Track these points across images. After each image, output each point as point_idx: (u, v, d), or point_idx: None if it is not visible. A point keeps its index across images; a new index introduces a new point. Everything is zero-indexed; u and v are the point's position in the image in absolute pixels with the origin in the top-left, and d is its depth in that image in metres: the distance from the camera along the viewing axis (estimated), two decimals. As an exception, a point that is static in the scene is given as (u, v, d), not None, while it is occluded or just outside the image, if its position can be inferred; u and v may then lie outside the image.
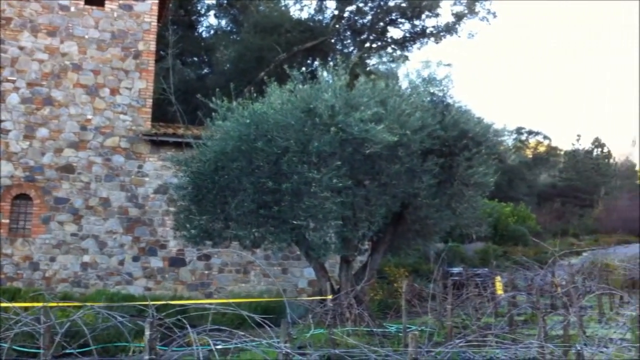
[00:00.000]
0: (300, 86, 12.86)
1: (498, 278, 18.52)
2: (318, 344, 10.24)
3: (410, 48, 35.01)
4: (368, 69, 29.31)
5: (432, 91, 14.63)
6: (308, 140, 12.35)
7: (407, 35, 34.74)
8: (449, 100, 14.78)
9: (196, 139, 14.73)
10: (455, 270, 21.82)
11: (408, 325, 12.20)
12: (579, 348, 6.37)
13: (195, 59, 33.86)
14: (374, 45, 34.98)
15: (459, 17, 33.58)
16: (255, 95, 13.61)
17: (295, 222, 12.72)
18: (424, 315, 13.26)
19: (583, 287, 16.30)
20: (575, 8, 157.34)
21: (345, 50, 33.84)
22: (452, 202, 14.61)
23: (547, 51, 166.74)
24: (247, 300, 14.49)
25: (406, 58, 33.44)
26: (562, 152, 65.67)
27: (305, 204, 12.41)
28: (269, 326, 7.45)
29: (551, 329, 11.83)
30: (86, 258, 17.14)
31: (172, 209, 16.81)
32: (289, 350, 6.51)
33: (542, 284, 15.15)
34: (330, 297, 12.94)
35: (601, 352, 9.10)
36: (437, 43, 34.39)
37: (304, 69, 17.28)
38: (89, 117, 17.58)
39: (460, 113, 14.34)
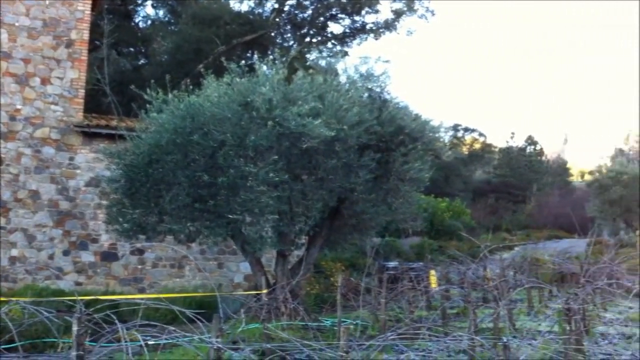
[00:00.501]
0: (238, 79, 12.73)
1: (432, 272, 18.84)
2: (252, 339, 10.20)
3: (350, 44, 35.18)
4: (307, 63, 29.29)
5: (369, 87, 14.71)
6: (245, 134, 12.25)
7: (347, 30, 34.89)
8: (387, 96, 14.89)
9: (130, 131, 14.41)
10: (391, 264, 22.07)
11: (343, 319, 12.27)
12: (505, 340, 6.52)
13: (132, 49, 33.20)
14: (314, 40, 35.01)
15: (398, 14, 33.90)
16: (192, 87, 13.42)
17: (231, 216, 12.61)
18: (360, 309, 13.36)
19: (513, 281, 16.73)
20: (512, 7, 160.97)
21: (285, 44, 33.75)
22: (388, 197, 14.75)
23: (484, 50, 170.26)
24: (181, 295, 14.29)
25: (345, 53, 33.54)
26: (496, 149, 67.23)
27: (242, 198, 12.32)
28: (202, 321, 7.37)
29: (482, 322, 12.11)
30: (14, 252, 16.59)
31: (104, 202, 16.42)
32: (220, 345, 6.44)
33: (474, 277, 15.45)
34: (265, 291, 12.90)
35: (529, 344, 9.36)
36: (376, 39, 34.65)
37: (243, 62, 17.13)
38: (19, 107, 17.01)
39: (398, 109, 14.46)
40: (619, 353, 10.59)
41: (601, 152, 69.54)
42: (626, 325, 12.83)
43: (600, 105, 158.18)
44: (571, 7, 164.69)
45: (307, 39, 34.57)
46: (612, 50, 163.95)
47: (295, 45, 33.03)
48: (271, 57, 13.37)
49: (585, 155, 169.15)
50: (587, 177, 76.72)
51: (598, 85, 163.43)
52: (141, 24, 34.08)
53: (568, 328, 10.23)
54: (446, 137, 56.09)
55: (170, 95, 12.96)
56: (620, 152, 64.05)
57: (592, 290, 13.39)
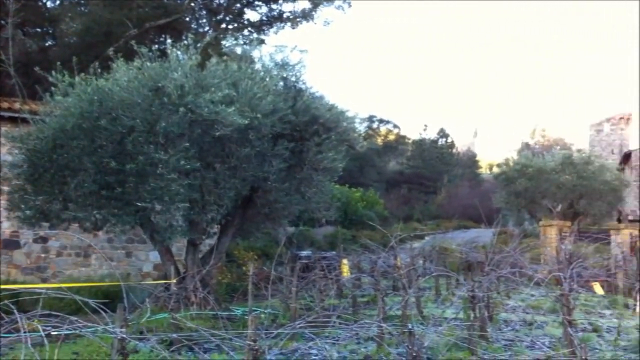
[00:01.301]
0: (149, 64, 12.39)
1: (344, 261, 19.03)
2: (160, 329, 10.00)
3: (266, 32, 34.88)
4: (222, 50, 28.88)
5: (285, 76, 14.66)
6: (155, 120, 11.96)
7: (264, 18, 34.59)
8: (302, 86, 14.89)
9: (34, 115, 13.81)
10: (304, 253, 22.14)
11: (254, 308, 12.21)
12: (410, 327, 6.64)
13: (38, 29, 31.76)
14: (230, 27, 34.54)
15: (315, 3, 33.84)
16: (100, 71, 12.95)
17: (139, 204, 12.29)
18: (272, 298, 13.34)
19: (422, 270, 17.12)
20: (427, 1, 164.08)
21: (200, 30, 33.14)
22: (302, 186, 14.78)
23: (399, 43, 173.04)
24: (87, 285, 13.86)
25: (262, 41, 33.21)
26: (410, 141, 68.55)
27: (151, 185, 12.03)
28: (107, 312, 7.15)
29: (391, 310, 12.32)
30: None
31: (5, 188, 15.69)
32: (124, 336, 6.26)
33: (385, 266, 15.69)
34: (174, 280, 12.68)
35: (434, 330, 9.57)
36: (293, 28, 34.49)
37: (155, 46, 16.71)
38: None
39: (313, 99, 14.49)
40: (520, 339, 11.00)
41: (508, 146, 72.03)
42: (528, 313, 13.33)
43: (509, 100, 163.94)
44: (486, 3, 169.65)
45: (223, 26, 34.07)
46: (521, 46, 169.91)
47: (210, 31, 32.48)
48: (185, 42, 13.08)
49: (493, 149, 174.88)
50: (495, 170, 79.44)
51: (507, 81, 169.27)
52: (49, 4, 32.65)
53: (472, 315, 10.57)
54: (361, 127, 56.70)
55: (77, 79, 12.48)
56: (526, 145, 66.64)
57: (497, 278, 13.85)
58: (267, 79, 13.74)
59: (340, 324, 9.53)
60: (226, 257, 17.45)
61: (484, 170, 79.00)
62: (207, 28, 33.81)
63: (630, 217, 30.77)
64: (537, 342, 10.50)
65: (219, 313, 11.04)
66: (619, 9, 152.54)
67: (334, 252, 21.96)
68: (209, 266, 13.59)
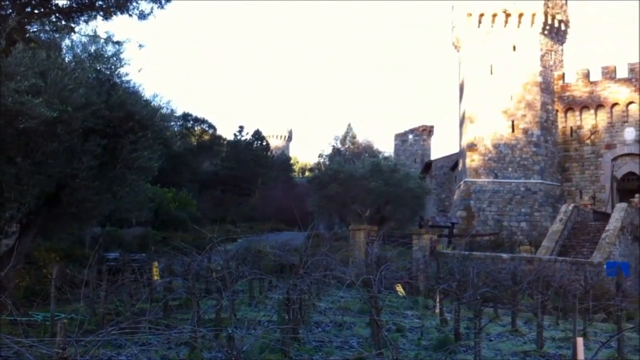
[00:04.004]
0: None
1: (155, 264, 18.46)
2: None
3: (78, 20, 32.98)
4: (28, 36, 26.91)
5: (98, 68, 13.95)
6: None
7: (74, 5, 32.69)
8: (117, 80, 14.26)
9: None
10: (112, 255, 21.23)
11: (57, 314, 11.47)
12: (230, 331, 6.53)
13: None
14: (36, 12, 32.26)
15: (130, -6, 32.55)
16: None
17: None
18: (77, 302, 12.59)
19: (237, 272, 17.04)
20: (243, 5, 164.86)
21: (2, 13, 30.64)
22: (114, 185, 14.14)
23: (217, 46, 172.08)
24: None
25: (72, 29, 31.40)
26: (225, 142, 68.36)
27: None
28: None
29: (205, 313, 12.13)
30: None
31: None
32: None
33: (198, 269, 15.44)
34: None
35: (250, 334, 9.54)
36: (106, 19, 32.89)
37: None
38: None
39: (128, 94, 13.94)
40: (330, 339, 11.31)
41: (321, 151, 74.40)
42: (338, 314, 13.75)
43: (321, 106, 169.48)
44: (296, 17, 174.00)
45: (29, 9, 31.74)
46: (335, 53, 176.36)
47: (14, 15, 30.14)
48: (-14, 25, 12.00)
49: (306, 153, 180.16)
50: (308, 174, 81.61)
51: (320, 87, 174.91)
52: None
53: (287, 317, 10.69)
54: (176, 126, 55.60)
55: None
56: (337, 151, 69.13)
57: (310, 281, 14.14)
58: (79, 70, 12.99)
59: (150, 328, 9.20)
60: (25, 259, 16.21)
61: (297, 174, 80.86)
62: (9, 11, 31.33)
63: (430, 223, 32.96)
64: (348, 342, 10.84)
65: (18, 318, 10.24)
66: (433, 30, 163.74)
67: (144, 255, 21.26)
68: (7, 268, 12.53)
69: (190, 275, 12.70)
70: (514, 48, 43.46)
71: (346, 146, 75.26)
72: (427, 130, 70.90)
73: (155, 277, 17.10)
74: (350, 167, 34.98)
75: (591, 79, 44.15)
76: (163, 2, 33.17)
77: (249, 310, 14.05)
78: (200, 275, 15.67)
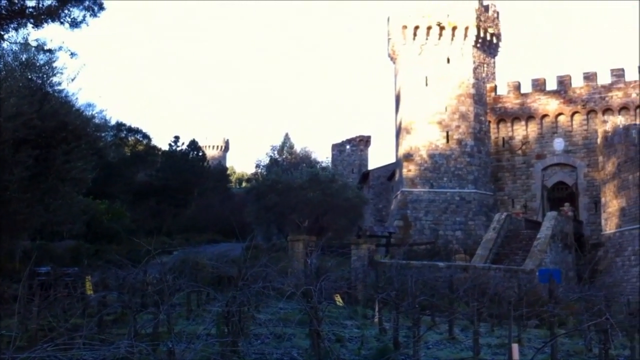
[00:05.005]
0: None
1: (89, 277, 17.98)
2: None
3: (7, 28, 31.97)
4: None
5: (30, 77, 13.58)
6: None
7: (4, 12, 31.70)
8: (49, 89, 13.90)
9: None
10: (43, 269, 20.58)
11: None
12: (170, 345, 6.41)
13: None
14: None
15: (62, 2, 31.76)
16: None
17: None
18: (8, 318, 12.13)
19: (174, 285, 16.74)
20: (166, 19, 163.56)
21: None
22: (46, 197, 13.75)
23: (151, 56, 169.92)
24: None
25: (1, 37, 30.48)
26: (160, 152, 67.29)
27: None
28: None
29: (142, 328, 11.86)
30: None
31: None
32: None
33: (134, 282, 15.11)
34: None
35: (189, 347, 9.38)
36: (37, 27, 32.02)
37: None
38: None
39: (61, 103, 13.62)
40: (270, 352, 11.22)
41: (258, 161, 74.09)
42: (278, 326, 13.66)
43: (258, 116, 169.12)
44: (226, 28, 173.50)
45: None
46: (269, 63, 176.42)
47: None
48: None
49: (243, 163, 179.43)
50: (245, 184, 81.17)
51: (256, 97, 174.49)
52: None
53: (226, 330, 10.56)
54: (109, 136, 54.49)
55: None
56: (275, 161, 69.00)
57: (249, 293, 14.00)
58: (10, 79, 12.61)
59: (85, 344, 8.95)
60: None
61: (234, 185, 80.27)
62: None
63: (368, 233, 33.22)
64: (290, 354, 10.79)
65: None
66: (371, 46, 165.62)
67: (77, 268, 20.70)
68: None
69: (125, 288, 12.43)
70: (448, 60, 44.39)
71: (284, 156, 75.23)
72: (365, 141, 71.60)
73: (89, 292, 16.66)
74: (289, 178, 34.99)
75: (522, 91, 45.55)
76: (96, 10, 32.56)
77: (187, 324, 13.80)
78: (136, 289, 15.36)
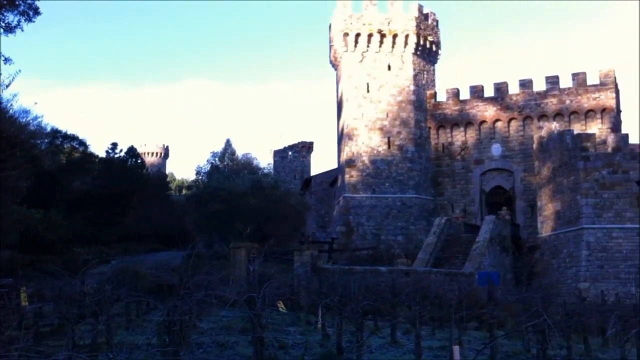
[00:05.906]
0: None
1: (23, 288, 17.44)
2: None
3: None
4: None
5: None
6: None
7: None
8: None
9: None
10: (-24, 281, 19.84)
11: None
12: (110, 356, 6.26)
13: None
14: None
15: (-2, 5, 30.82)
16: None
17: None
18: None
19: (113, 295, 16.38)
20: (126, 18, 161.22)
21: None
22: (-22, 206, 13.25)
23: (86, 61, 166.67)
24: None
25: None
26: (97, 160, 65.73)
27: None
28: None
29: (80, 339, 11.57)
30: None
31: None
32: None
33: (71, 293, 14.72)
34: None
35: (129, 358, 9.19)
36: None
37: None
38: None
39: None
40: (213, 361, 11.08)
41: (199, 167, 73.05)
42: (220, 334, 13.52)
43: (198, 122, 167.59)
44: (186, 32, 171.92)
45: None
46: (208, 68, 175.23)
47: None
48: None
49: (183, 170, 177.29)
50: (185, 192, 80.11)
51: (196, 102, 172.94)
52: None
53: (167, 339, 10.36)
54: (43, 144, 52.98)
55: None
56: (216, 168, 68.25)
57: (191, 301, 13.79)
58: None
59: (21, 357, 8.67)
60: None
61: (174, 192, 79.10)
62: None
63: (311, 239, 33.24)
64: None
65: None
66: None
67: (11, 279, 20.02)
68: None
69: (62, 299, 12.09)
70: (389, 67, 44.93)
71: (225, 162, 74.55)
72: (307, 147, 71.74)
73: (24, 303, 16.16)
74: (231, 184, 34.75)
75: (461, 98, 46.51)
76: (31, 15, 31.73)
77: (127, 334, 13.52)
78: (73, 300, 14.97)
